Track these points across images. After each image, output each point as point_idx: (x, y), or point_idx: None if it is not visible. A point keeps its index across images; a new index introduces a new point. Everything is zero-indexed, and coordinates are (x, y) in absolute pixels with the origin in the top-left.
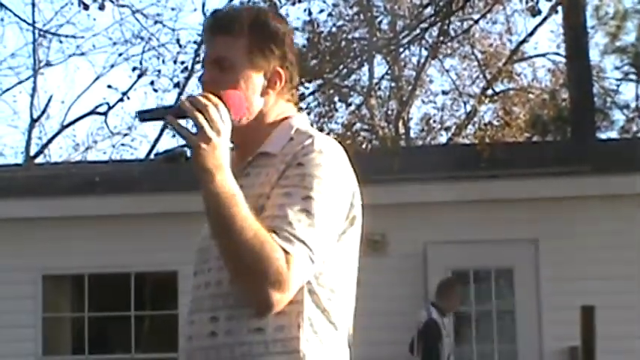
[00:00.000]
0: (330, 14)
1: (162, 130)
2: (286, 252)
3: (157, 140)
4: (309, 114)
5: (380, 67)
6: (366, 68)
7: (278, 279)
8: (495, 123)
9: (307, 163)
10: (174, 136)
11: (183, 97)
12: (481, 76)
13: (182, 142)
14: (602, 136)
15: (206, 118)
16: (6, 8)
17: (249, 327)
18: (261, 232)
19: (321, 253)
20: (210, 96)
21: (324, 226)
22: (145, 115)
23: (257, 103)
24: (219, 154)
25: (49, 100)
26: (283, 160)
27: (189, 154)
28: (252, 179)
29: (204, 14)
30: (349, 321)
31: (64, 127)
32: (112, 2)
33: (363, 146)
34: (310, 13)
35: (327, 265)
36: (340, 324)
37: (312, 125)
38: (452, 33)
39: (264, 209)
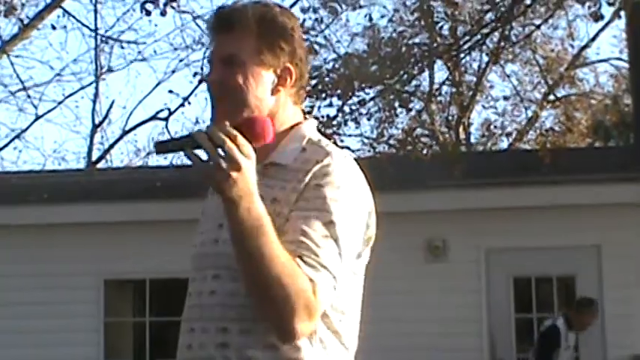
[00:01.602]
0: (390, 20)
1: None
2: (312, 280)
3: None
4: (369, 119)
5: (440, 72)
6: (426, 74)
7: (307, 311)
8: (557, 129)
9: (327, 185)
10: None
11: (196, 130)
12: (542, 81)
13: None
14: None
15: (225, 151)
16: (69, 15)
17: (264, 343)
18: (289, 263)
19: (342, 278)
20: (229, 128)
21: (345, 251)
22: (162, 148)
23: (267, 102)
24: (246, 181)
25: (111, 106)
26: (298, 176)
27: (205, 178)
28: (264, 191)
29: None
30: (356, 342)
31: (125, 133)
32: (174, 8)
33: (424, 152)
34: (371, 19)
35: (340, 287)
36: (350, 345)
37: (372, 131)
38: (513, 38)
39: (283, 232)
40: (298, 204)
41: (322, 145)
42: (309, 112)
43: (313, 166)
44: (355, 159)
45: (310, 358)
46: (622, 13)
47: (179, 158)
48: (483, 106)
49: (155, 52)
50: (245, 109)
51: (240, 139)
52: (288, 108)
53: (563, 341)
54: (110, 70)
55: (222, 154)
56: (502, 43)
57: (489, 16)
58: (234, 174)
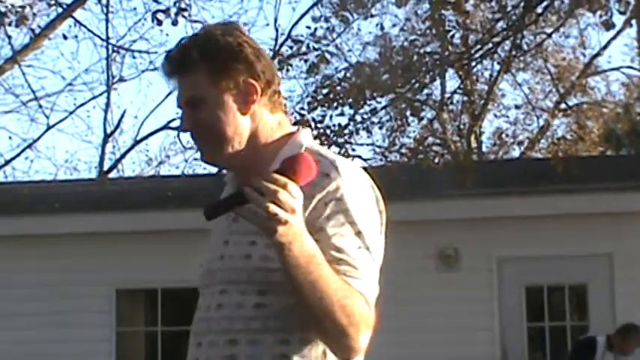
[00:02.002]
0: (402, 29)
1: None
2: (362, 294)
3: None
4: (380, 128)
5: (452, 81)
6: (438, 82)
7: (366, 325)
8: (569, 137)
9: (344, 197)
10: None
11: (244, 188)
12: (554, 90)
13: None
14: None
15: (275, 203)
16: (81, 24)
17: (274, 353)
18: (342, 285)
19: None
20: (276, 176)
21: (376, 256)
22: (213, 213)
23: (243, 124)
24: (299, 220)
25: (123, 116)
26: (307, 190)
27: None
28: None
29: (276, 29)
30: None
31: (137, 142)
32: (185, 18)
33: (436, 161)
34: (382, 28)
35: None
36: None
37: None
38: (525, 47)
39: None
40: (321, 222)
41: (324, 155)
42: (321, 122)
43: (321, 180)
44: (367, 167)
45: None
46: (633, 21)
47: (190, 168)
48: (495, 115)
49: None
50: (225, 142)
51: (289, 184)
52: (267, 119)
53: (599, 356)
54: (122, 79)
55: (275, 204)
56: (513, 52)
57: (501, 24)
58: (290, 218)
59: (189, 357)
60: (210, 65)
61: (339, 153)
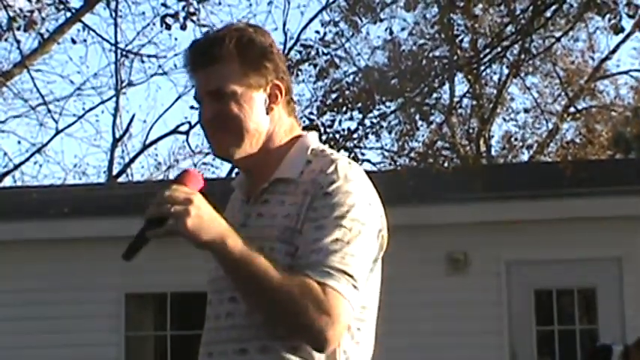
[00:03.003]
0: (411, 33)
1: None
2: (321, 283)
3: None
4: (390, 132)
5: (461, 85)
6: (447, 86)
7: (319, 309)
8: (577, 141)
9: (334, 192)
10: None
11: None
12: (563, 93)
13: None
14: None
15: (168, 202)
16: (90, 29)
17: (285, 359)
18: (283, 274)
19: (364, 279)
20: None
21: (360, 253)
22: (130, 254)
23: (264, 123)
24: (208, 216)
25: (131, 120)
26: (305, 188)
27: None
28: (273, 208)
29: (284, 34)
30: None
31: (145, 147)
32: (194, 22)
33: (445, 165)
34: (391, 32)
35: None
36: (370, 353)
37: (393, 144)
38: (533, 51)
39: (297, 248)
40: (308, 215)
41: (326, 154)
42: (330, 126)
43: (318, 176)
44: (376, 172)
45: None
46: None
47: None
48: (504, 119)
49: (175, 65)
50: (246, 137)
51: (174, 185)
52: (283, 122)
53: None
54: (130, 84)
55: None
56: (522, 56)
57: (509, 28)
58: (190, 207)
59: None
60: (244, 59)
61: (348, 157)
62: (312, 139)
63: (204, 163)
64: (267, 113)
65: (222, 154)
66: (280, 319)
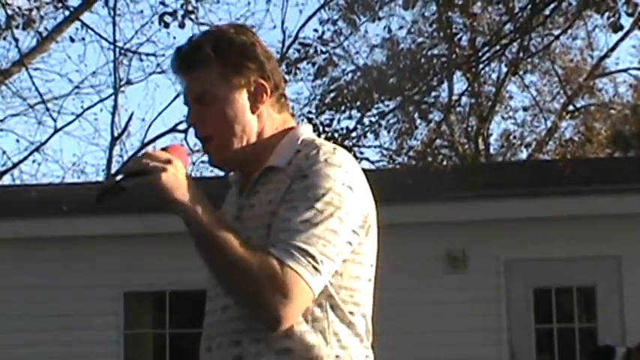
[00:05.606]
0: (409, 31)
1: None
2: (282, 263)
3: None
4: (388, 131)
5: (459, 83)
6: (445, 85)
7: (274, 286)
8: (576, 139)
9: (312, 175)
10: None
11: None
12: (562, 91)
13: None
14: None
15: (149, 159)
16: (88, 27)
17: (277, 348)
18: (245, 246)
19: (331, 263)
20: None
21: (332, 236)
22: (102, 197)
23: (251, 123)
24: (182, 178)
25: (130, 118)
26: (289, 174)
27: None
28: (263, 196)
29: (283, 32)
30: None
31: (144, 145)
32: (192, 20)
33: (443, 163)
34: (390, 31)
35: (346, 278)
36: (365, 335)
37: (391, 142)
38: (532, 49)
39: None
40: (285, 197)
41: (314, 142)
42: (329, 125)
43: (301, 161)
44: (375, 170)
45: (328, 356)
46: None
47: (198, 170)
48: (502, 117)
49: None
50: (234, 139)
51: (157, 150)
52: (274, 119)
53: None
54: (129, 82)
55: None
56: (521, 54)
57: (508, 26)
58: (167, 166)
59: None
60: (223, 62)
61: None
62: (305, 130)
63: (202, 162)
64: (254, 112)
65: (217, 163)
66: (236, 292)
